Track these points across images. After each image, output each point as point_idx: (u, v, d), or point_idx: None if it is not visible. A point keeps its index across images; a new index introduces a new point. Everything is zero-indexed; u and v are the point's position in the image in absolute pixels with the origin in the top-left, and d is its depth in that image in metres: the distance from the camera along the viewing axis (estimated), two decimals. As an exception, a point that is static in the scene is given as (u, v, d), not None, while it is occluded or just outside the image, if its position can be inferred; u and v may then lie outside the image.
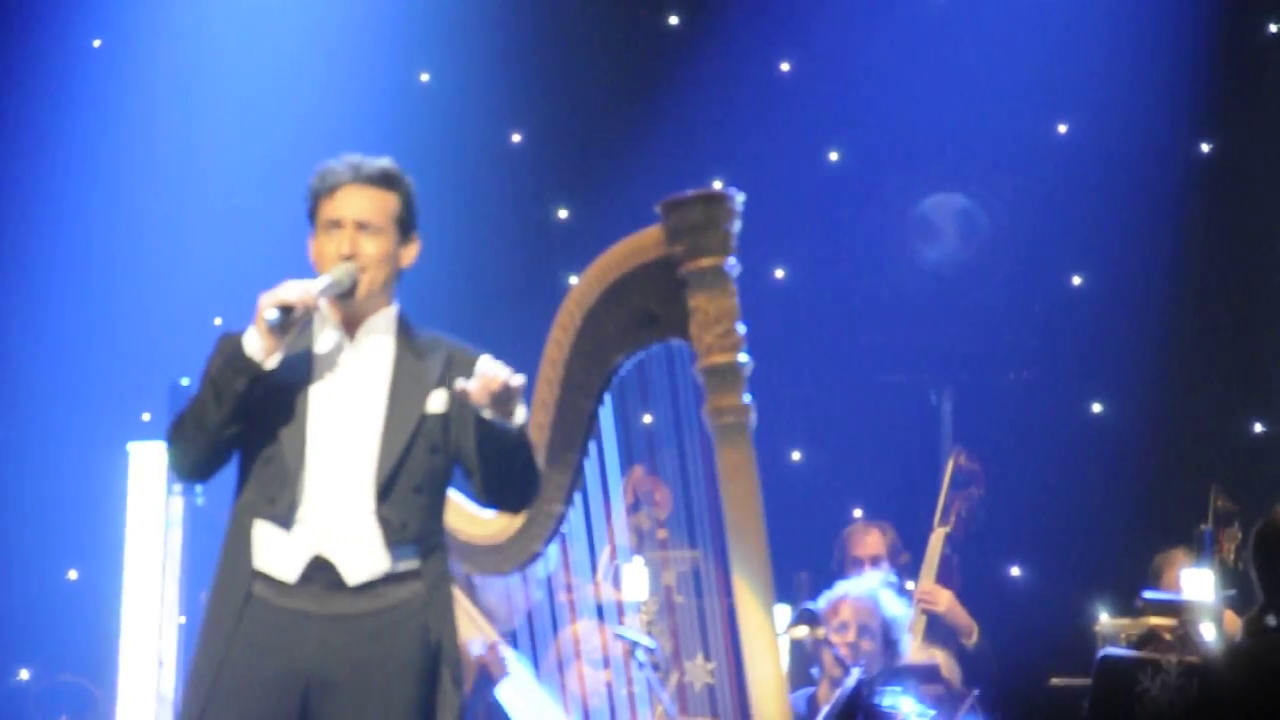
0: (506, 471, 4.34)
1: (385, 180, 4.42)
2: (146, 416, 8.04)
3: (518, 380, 4.23)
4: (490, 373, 4.20)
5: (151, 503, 6.86)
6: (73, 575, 8.54)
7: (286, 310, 4.22)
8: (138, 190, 8.55)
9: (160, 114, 8.59)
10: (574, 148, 8.85)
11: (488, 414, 4.22)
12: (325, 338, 4.39)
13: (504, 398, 4.21)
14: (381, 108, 8.47)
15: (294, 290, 4.23)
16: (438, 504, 4.40)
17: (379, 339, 4.39)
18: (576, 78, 8.83)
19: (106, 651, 7.02)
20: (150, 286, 8.49)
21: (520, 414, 4.26)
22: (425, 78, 8.86)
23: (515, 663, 5.81)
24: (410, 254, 4.45)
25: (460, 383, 4.24)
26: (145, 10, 8.67)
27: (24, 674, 8.36)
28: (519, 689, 5.79)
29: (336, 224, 4.37)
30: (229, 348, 4.28)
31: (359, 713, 4.23)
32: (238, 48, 8.60)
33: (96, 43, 8.71)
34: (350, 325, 4.40)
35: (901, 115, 8.53)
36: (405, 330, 4.42)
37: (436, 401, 4.35)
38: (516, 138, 8.92)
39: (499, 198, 8.59)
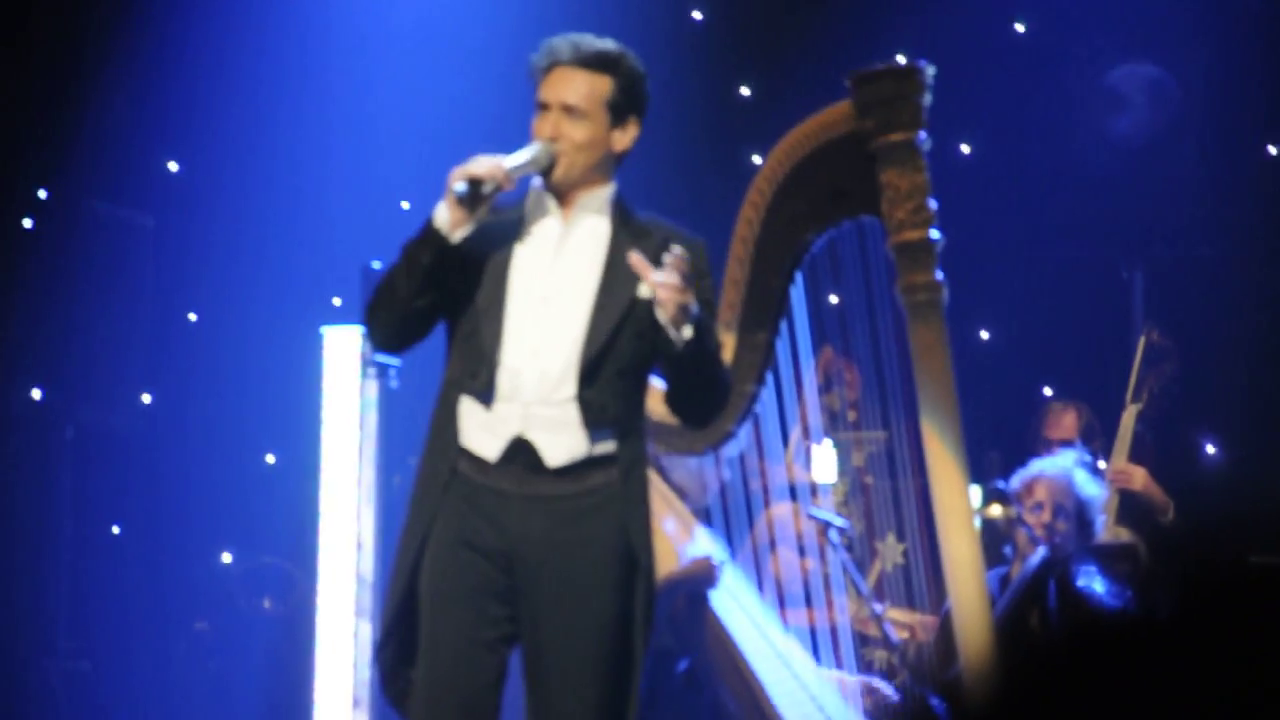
0: (691, 382, 4.32)
1: (600, 63, 4.36)
2: (338, 301, 8.09)
3: (688, 295, 4.18)
4: (678, 267, 4.15)
5: (346, 387, 6.86)
6: (270, 459, 8.70)
7: (475, 183, 4.20)
8: (329, 75, 8.61)
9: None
10: (756, 24, 8.75)
11: (658, 313, 4.18)
12: (538, 214, 4.37)
13: (675, 294, 4.16)
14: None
15: (484, 165, 4.22)
16: (639, 389, 4.37)
17: (593, 219, 4.36)
18: (758, -47, 8.75)
19: (306, 534, 7.11)
20: (341, 171, 8.56)
21: (687, 331, 4.19)
22: (606, -44, 8.81)
23: (728, 572, 5.78)
24: (626, 139, 4.38)
25: (634, 256, 4.21)
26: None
27: (226, 557, 8.54)
28: (732, 597, 5.77)
29: (545, 106, 4.36)
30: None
31: (563, 593, 4.25)
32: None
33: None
34: (565, 203, 4.37)
35: (1090, -18, 8.35)
36: (621, 211, 4.38)
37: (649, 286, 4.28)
38: (698, 15, 8.85)
39: (681, 76, 8.48)
